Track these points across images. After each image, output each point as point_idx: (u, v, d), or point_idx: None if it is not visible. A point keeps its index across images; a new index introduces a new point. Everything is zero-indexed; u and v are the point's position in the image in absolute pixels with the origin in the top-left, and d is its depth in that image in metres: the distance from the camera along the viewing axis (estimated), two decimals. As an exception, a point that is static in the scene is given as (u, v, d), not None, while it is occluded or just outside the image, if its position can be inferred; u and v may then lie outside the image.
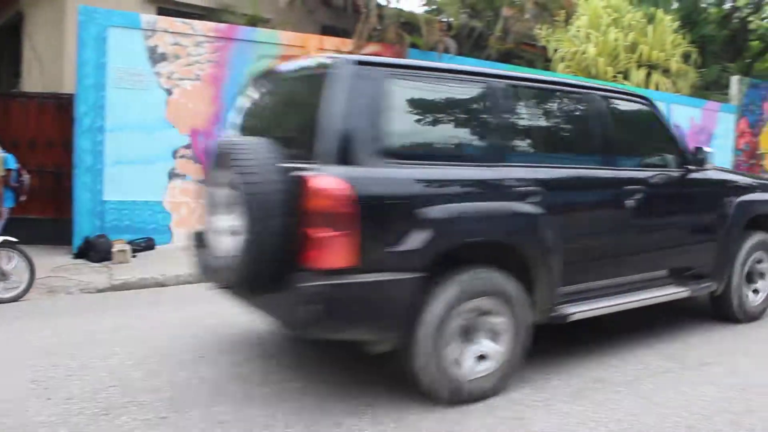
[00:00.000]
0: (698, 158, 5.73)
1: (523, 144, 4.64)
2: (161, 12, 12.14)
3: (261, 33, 10.60)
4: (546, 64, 17.16)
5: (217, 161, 4.12)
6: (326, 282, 3.54)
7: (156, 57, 9.55)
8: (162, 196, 9.67)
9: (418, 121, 4.21)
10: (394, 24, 11.36)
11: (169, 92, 9.67)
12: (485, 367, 4.10)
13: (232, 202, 3.82)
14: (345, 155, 3.69)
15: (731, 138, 18.82)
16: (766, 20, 22.24)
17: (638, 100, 5.57)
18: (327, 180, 3.58)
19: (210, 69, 9.96)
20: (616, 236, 4.96)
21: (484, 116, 4.40)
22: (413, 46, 11.88)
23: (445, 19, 15.04)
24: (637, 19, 17.82)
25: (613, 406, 4.05)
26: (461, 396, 4.01)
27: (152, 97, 9.55)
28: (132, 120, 9.39)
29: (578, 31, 17.49)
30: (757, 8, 20.84)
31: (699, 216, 5.68)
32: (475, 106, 4.43)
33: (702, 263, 5.63)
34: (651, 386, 4.39)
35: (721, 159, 18.30)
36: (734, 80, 19.13)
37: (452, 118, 4.43)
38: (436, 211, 3.84)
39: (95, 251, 8.70)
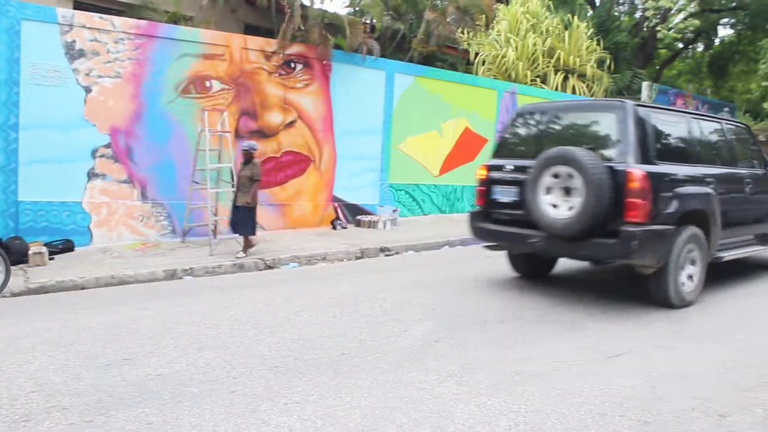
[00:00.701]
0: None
1: (705, 154, 7.59)
2: (78, 7, 11.82)
3: (183, 31, 10.46)
4: (468, 67, 17.52)
5: (543, 164, 6.56)
6: (639, 229, 6.15)
7: (74, 53, 9.30)
8: (81, 196, 9.43)
9: (666, 138, 7.09)
10: (318, 25, 11.39)
11: (87, 90, 9.44)
12: (691, 285, 6.81)
13: (568, 188, 6.43)
14: (640, 158, 6.36)
15: (642, 140, 19.59)
16: (672, 30, 23.26)
17: (745, 127, 8.86)
18: (639, 171, 6.21)
19: (131, 67, 9.78)
20: (740, 209, 7.86)
21: (693, 137, 7.45)
22: (337, 47, 11.95)
23: (369, 21, 15.17)
24: (554, 25, 18.42)
25: (530, 398, 4.23)
26: (684, 303, 6.71)
27: (70, 94, 9.30)
28: (49, 117, 9.13)
29: (499, 35, 17.96)
30: (664, 18, 21.81)
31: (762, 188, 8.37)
32: (690, 132, 7.43)
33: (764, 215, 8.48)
34: (567, 378, 4.60)
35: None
36: (645, 85, 20.00)
37: (681, 138, 7.32)
38: (681, 190, 6.66)
39: (10, 254, 8.40)
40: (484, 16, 15.21)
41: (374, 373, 4.59)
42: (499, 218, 7.39)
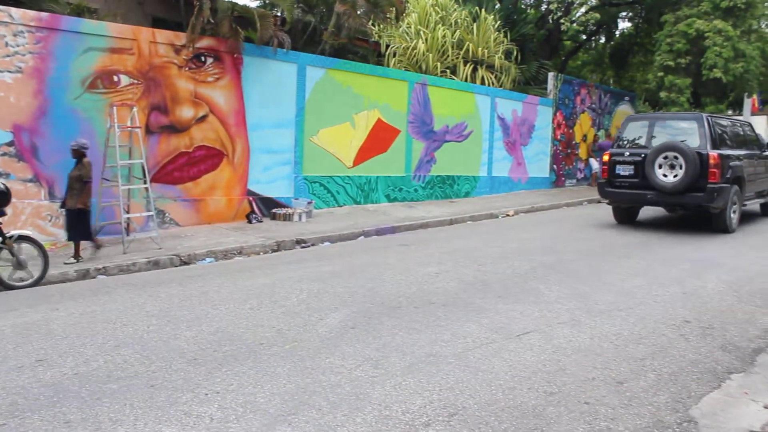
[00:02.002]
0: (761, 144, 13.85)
1: (736, 142, 12.32)
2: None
3: (87, 24, 10.20)
4: (379, 59, 17.72)
5: (658, 150, 11.22)
6: (716, 186, 10.94)
7: (-30, 47, 8.97)
8: (-17, 196, 9.09)
9: (721, 133, 11.80)
10: (227, 18, 11.31)
11: (-13, 86, 9.12)
12: (735, 219, 11.61)
13: (672, 166, 11.11)
14: (713, 145, 11.16)
15: (549, 129, 20.34)
16: (575, 23, 24.11)
17: (749, 124, 14.02)
18: (715, 153, 11.03)
19: (33, 61, 9.49)
20: (755, 175, 12.69)
21: (731, 132, 12.37)
22: (248, 40, 11.91)
23: (279, 14, 15.15)
24: (462, 18, 18.84)
25: (444, 377, 4.45)
26: (733, 230, 11.55)
27: (-32, 90, 8.97)
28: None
29: (409, 27, 18.24)
30: (567, 11, 22.60)
31: (764, 169, 13.48)
32: (729, 128, 12.35)
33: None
34: (478, 356, 4.85)
35: (541, 148, 19.76)
36: (551, 76, 20.69)
37: (726, 132, 12.08)
38: (731, 164, 11.39)
39: None
40: (394, 8, 15.40)
41: (293, 361, 4.71)
42: (619, 185, 12.04)
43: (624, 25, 31.07)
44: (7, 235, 7.63)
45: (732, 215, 11.54)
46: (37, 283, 7.63)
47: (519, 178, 19.09)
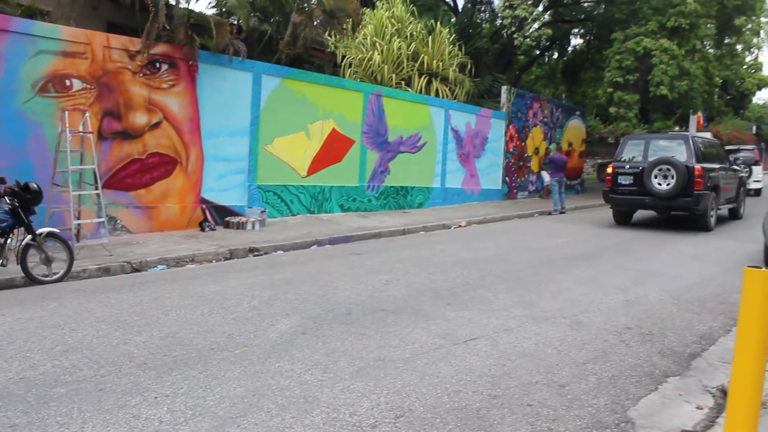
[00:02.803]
0: (733, 161, 17.24)
1: (713, 157, 15.23)
2: None
3: (40, 27, 10.06)
4: (334, 69, 17.83)
5: (654, 164, 13.93)
6: (700, 193, 13.66)
7: None
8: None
9: (703, 150, 14.69)
10: (183, 25, 11.29)
11: (-67, 88, 8.95)
12: (713, 220, 14.56)
13: (666, 176, 13.78)
14: (697, 160, 13.95)
15: (502, 142, 20.69)
16: (528, 38, 24.60)
17: (719, 142, 18.39)
18: (699, 167, 13.74)
19: (-18, 64, 9.34)
20: (726, 184, 15.36)
21: (709, 149, 15.47)
22: (203, 47, 11.90)
23: (236, 22, 15.15)
24: (418, 30, 19.09)
25: (392, 381, 4.55)
26: (711, 229, 14.35)
27: None
28: None
29: (365, 39, 18.40)
30: (521, 27, 23.05)
31: (734, 180, 16.55)
32: (707, 147, 15.43)
33: (734, 196, 16.57)
34: (425, 361, 4.96)
35: (493, 160, 20.08)
36: (504, 90, 21.06)
37: (705, 149, 15.06)
38: (711, 175, 14.09)
39: None
40: (350, 19, 15.54)
41: (243, 365, 4.76)
42: (621, 192, 14.74)
43: (576, 41, 31.85)
44: (36, 232, 7.96)
45: (711, 217, 14.36)
46: (63, 278, 8.03)
47: (472, 190, 19.37)
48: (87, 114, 10.03)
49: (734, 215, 17.26)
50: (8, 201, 7.90)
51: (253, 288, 7.39)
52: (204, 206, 12.08)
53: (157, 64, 11.30)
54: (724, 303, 7.31)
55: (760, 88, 51.74)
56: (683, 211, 14.23)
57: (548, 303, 7.03)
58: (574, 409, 4.24)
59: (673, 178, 13.70)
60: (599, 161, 32.63)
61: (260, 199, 13.05)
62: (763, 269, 2.70)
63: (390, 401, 4.21)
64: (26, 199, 7.99)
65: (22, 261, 7.80)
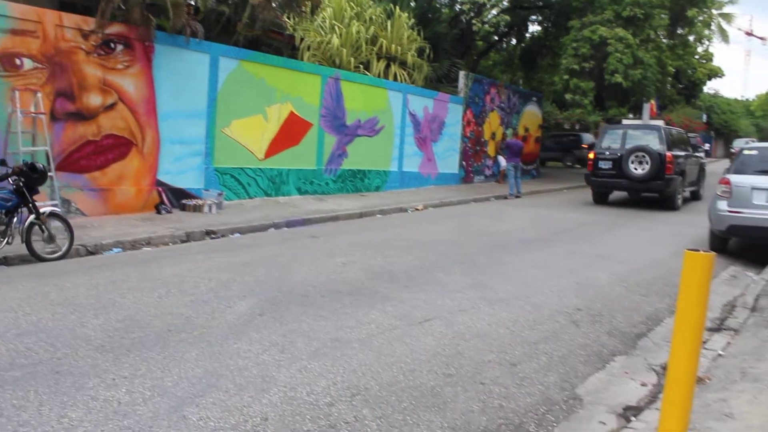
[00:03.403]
0: (697, 148, 20.54)
1: (680, 144, 17.31)
2: None
3: (-12, 5, 9.83)
4: (293, 52, 17.74)
5: (631, 151, 15.83)
6: (670, 177, 15.63)
7: None
8: None
9: (672, 139, 16.69)
10: (139, 4, 11.10)
11: None
12: (680, 201, 16.52)
13: (641, 161, 15.68)
14: (667, 148, 15.86)
15: (459, 126, 20.86)
16: (486, 24, 24.76)
17: (684, 132, 20.24)
18: (670, 153, 15.70)
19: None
20: (690, 169, 17.38)
21: (677, 137, 17.61)
22: (160, 28, 11.74)
23: (193, 3, 14.95)
24: (377, 14, 19.08)
25: (348, 360, 4.64)
26: (679, 208, 16.18)
27: None
28: None
29: (324, 22, 18.32)
30: (479, 12, 23.18)
31: (696, 165, 18.60)
32: (676, 135, 17.61)
33: (696, 180, 18.56)
34: (381, 341, 5.07)
35: (450, 145, 20.24)
36: (462, 75, 21.21)
37: (674, 138, 17.22)
38: (679, 161, 16.16)
39: None
40: (309, 2, 15.45)
41: (201, 346, 4.80)
42: (601, 176, 16.59)
43: (534, 28, 32.11)
44: (40, 211, 8.23)
45: (678, 198, 16.29)
46: (65, 255, 8.28)
47: (429, 174, 19.51)
48: (39, 94, 9.86)
49: (695, 197, 18.79)
50: (11, 181, 8.10)
51: (211, 270, 7.40)
52: (160, 189, 11.96)
53: (112, 45, 11.12)
54: (670, 285, 7.57)
55: (710, 78, 52.89)
56: (655, 192, 16.18)
57: (502, 285, 7.20)
58: (525, 387, 4.40)
59: (647, 163, 15.57)
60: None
61: (217, 181, 12.98)
62: (701, 252, 2.85)
63: (346, 380, 4.31)
64: (33, 178, 8.22)
65: (27, 239, 8.01)
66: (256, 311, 5.76)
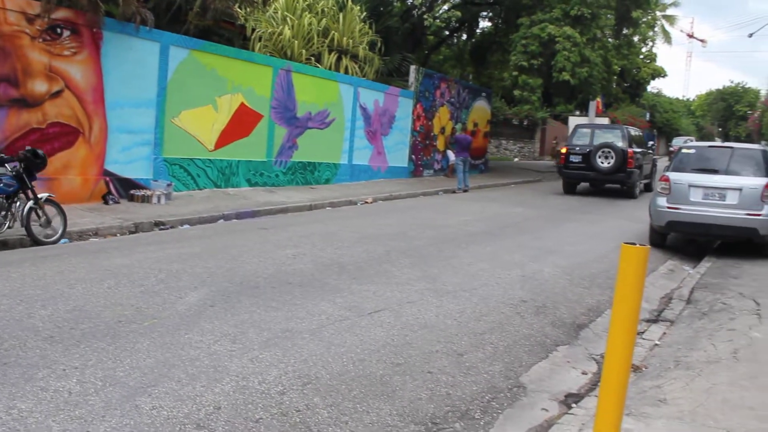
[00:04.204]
0: (647, 144, 22.61)
1: (638, 142, 19.83)
2: None
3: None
4: (244, 42, 17.63)
5: (598, 147, 18.21)
6: (632, 170, 18.29)
7: None
8: None
9: (632, 137, 19.28)
10: (86, -10, 10.93)
11: None
12: (638, 192, 19.32)
13: (607, 156, 18.09)
14: (629, 145, 18.46)
15: (410, 120, 21.01)
16: (438, 19, 24.96)
17: (641, 130, 24.18)
18: (631, 150, 18.29)
19: None
20: (645, 164, 20.09)
21: (635, 136, 20.10)
22: (109, 15, 11.55)
23: (143, -10, 14.73)
24: (329, 6, 19.08)
25: (299, 350, 4.73)
26: (636, 197, 18.95)
27: None
28: None
29: (275, 13, 18.24)
30: (431, 7, 23.36)
31: (650, 161, 21.67)
32: (634, 134, 20.38)
33: (649, 173, 21.18)
34: (331, 332, 5.17)
35: (400, 139, 20.39)
36: (413, 69, 21.35)
37: (633, 136, 19.76)
38: (638, 156, 18.65)
39: None
40: (261, -8, 15.40)
41: (152, 337, 4.82)
42: (573, 168, 18.77)
43: (484, 24, 32.50)
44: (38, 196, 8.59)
45: (637, 188, 19.07)
46: (59, 239, 8.65)
47: (379, 167, 19.63)
48: (-18, 80, 9.62)
49: (648, 188, 20.49)
50: (9, 168, 8.41)
51: (161, 261, 7.38)
52: (108, 179, 11.80)
53: (59, 30, 10.91)
54: (612, 278, 7.77)
55: (654, 78, 54.57)
56: (618, 183, 18.79)
57: (450, 277, 7.36)
58: (471, 376, 4.55)
59: (612, 158, 17.99)
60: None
61: (166, 172, 12.86)
62: (637, 245, 3.01)
63: (297, 370, 4.39)
64: (36, 164, 8.66)
65: (27, 224, 8.34)
66: (207, 302, 5.79)
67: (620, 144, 18.26)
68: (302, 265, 7.53)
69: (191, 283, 6.46)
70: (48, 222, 8.66)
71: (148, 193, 11.98)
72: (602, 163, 18.05)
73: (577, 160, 18.74)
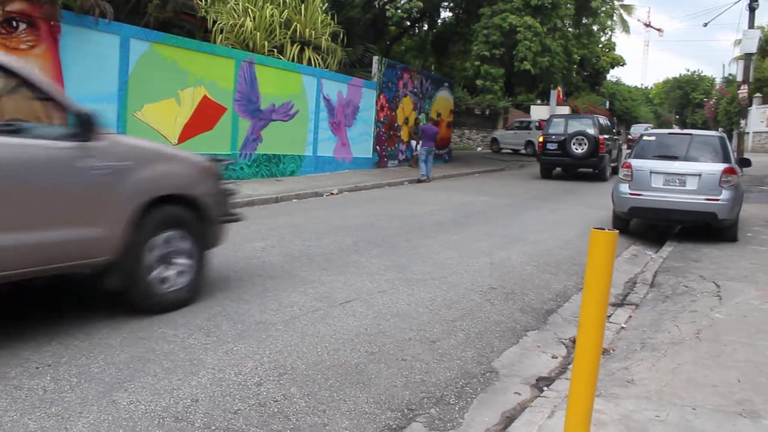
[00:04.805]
0: (616, 133, 28.14)
1: (605, 131, 22.08)
2: None
3: None
4: (205, 35, 17.44)
5: (572, 135, 20.16)
6: (603, 155, 20.31)
7: None
8: None
9: (602, 125, 21.65)
10: (43, -18, 10.73)
11: None
12: (607, 174, 21.01)
13: (581, 143, 20.08)
14: (600, 132, 20.48)
15: (373, 111, 21.04)
16: (399, 9, 25.00)
17: (610, 120, 28.75)
18: (601, 137, 20.24)
19: None
20: (613, 149, 22.62)
21: (603, 124, 22.70)
22: (66, 8, 11.35)
23: (100, -18, 14.49)
24: (290, -2, 18.93)
25: (274, 342, 4.76)
26: (607, 179, 20.48)
27: None
28: None
29: (237, 4, 18.06)
30: (392, -2, 23.36)
31: (617, 146, 24.27)
32: (604, 123, 23.11)
33: (616, 158, 22.54)
34: (304, 323, 5.20)
35: (364, 129, 20.41)
36: (375, 60, 21.36)
37: (602, 125, 22.14)
38: (608, 143, 21.05)
39: None
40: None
41: (125, 332, 4.80)
42: (549, 155, 20.69)
43: (446, 14, 32.59)
44: None
45: (607, 171, 20.88)
46: None
47: (343, 158, 19.64)
48: (-62, 75, 9.40)
49: (615, 171, 21.06)
50: None
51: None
52: (69, 174, 11.60)
53: (14, 23, 10.70)
54: (578, 264, 8.00)
55: (613, 67, 55.33)
56: (591, 167, 20.57)
57: (419, 266, 7.44)
58: (444, 362, 4.63)
59: (585, 145, 19.99)
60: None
61: (129, 167, 12.68)
62: (606, 230, 3.10)
63: (273, 360, 4.42)
64: None
65: None
66: (178, 296, 5.77)
67: (592, 132, 20.24)
68: (271, 258, 7.54)
69: (161, 277, 6.42)
70: None
71: (112, 188, 11.80)
72: (576, 149, 20.05)
73: (553, 147, 20.61)
